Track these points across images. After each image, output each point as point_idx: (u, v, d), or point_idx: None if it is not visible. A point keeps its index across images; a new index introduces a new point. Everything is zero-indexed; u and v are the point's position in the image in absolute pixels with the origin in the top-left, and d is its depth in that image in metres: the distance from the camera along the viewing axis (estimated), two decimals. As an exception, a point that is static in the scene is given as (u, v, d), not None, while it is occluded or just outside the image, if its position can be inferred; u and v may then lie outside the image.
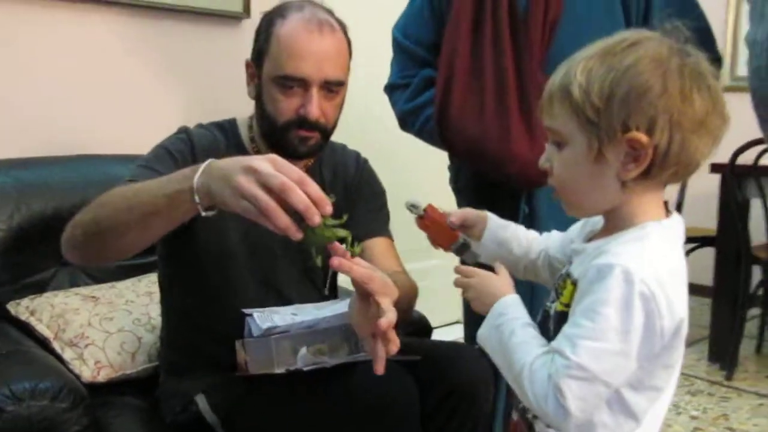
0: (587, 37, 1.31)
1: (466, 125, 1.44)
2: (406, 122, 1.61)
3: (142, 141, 1.93)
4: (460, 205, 1.65)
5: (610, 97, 0.82)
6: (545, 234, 1.12)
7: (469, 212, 1.11)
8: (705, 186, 2.76)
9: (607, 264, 0.81)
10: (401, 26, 1.62)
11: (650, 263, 0.82)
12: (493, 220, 1.11)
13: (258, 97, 1.32)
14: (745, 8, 3.29)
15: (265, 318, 1.20)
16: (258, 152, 1.35)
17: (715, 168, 2.65)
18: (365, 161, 1.48)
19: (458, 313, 2.76)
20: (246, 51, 2.17)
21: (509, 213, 1.44)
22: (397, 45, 1.62)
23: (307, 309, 1.26)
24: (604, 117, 0.83)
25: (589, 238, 0.95)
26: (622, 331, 0.80)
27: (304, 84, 1.25)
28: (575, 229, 1.04)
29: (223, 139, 1.35)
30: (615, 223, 0.89)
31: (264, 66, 1.28)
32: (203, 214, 0.97)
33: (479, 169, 1.51)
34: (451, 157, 1.68)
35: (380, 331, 0.96)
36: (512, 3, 1.44)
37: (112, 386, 1.40)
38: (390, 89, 1.63)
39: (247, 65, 1.34)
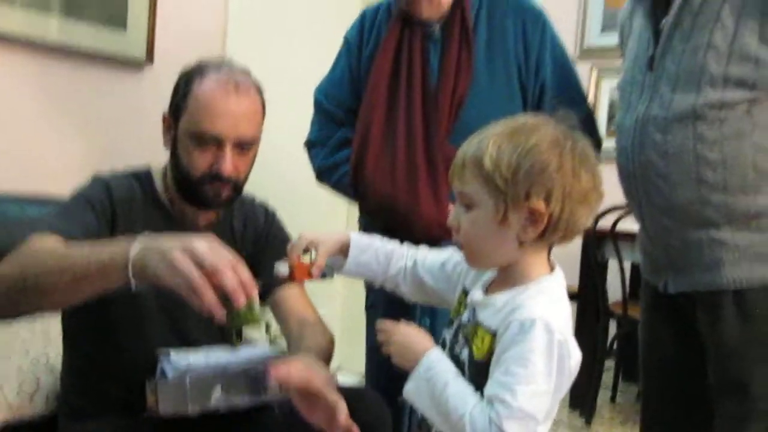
0: (489, 115, 1.50)
1: (379, 184, 1.58)
2: (323, 177, 1.73)
3: (42, 181, 1.93)
4: None
5: (517, 170, 0.98)
6: (410, 250, 1.26)
7: (332, 249, 1.21)
8: (568, 247, 3.02)
9: (529, 318, 0.96)
10: (323, 89, 1.75)
11: (558, 313, 0.98)
12: (354, 246, 1.22)
13: (173, 150, 1.37)
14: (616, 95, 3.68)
15: (180, 358, 1.23)
16: (172, 202, 1.40)
17: (579, 231, 2.92)
18: (273, 213, 1.55)
19: (339, 361, 2.84)
20: (148, 97, 2.22)
21: None
22: (318, 105, 1.75)
23: (219, 352, 1.31)
24: (511, 186, 0.98)
25: (486, 289, 1.09)
26: (547, 374, 0.95)
27: (218, 141, 1.31)
28: (461, 268, 1.18)
29: (138, 188, 1.38)
30: (512, 276, 1.05)
31: (181, 121, 1.33)
32: (133, 288, 1.01)
33: (389, 224, 1.62)
34: (361, 212, 1.79)
35: (343, 428, 1.04)
36: (425, 78, 1.59)
37: (8, 430, 1.36)
38: (309, 145, 1.75)
39: (164, 118, 1.39)
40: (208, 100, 1.30)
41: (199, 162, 1.32)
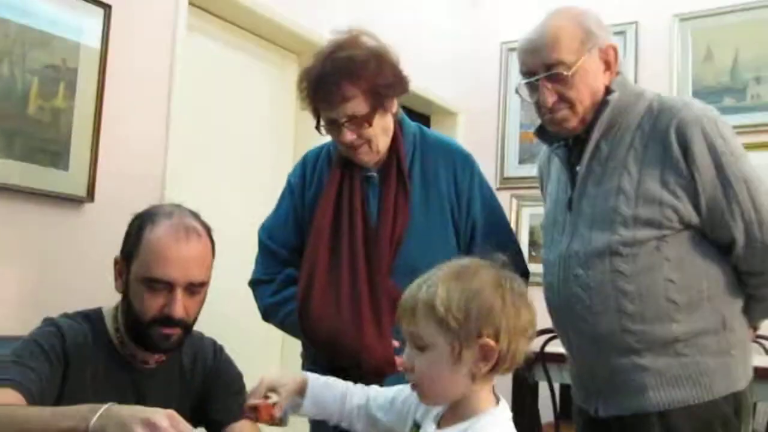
0: (427, 252, 1.63)
1: (324, 320, 1.64)
2: (269, 314, 1.77)
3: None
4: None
5: (468, 311, 1.07)
6: (363, 388, 1.32)
7: (293, 390, 1.27)
8: (501, 369, 3.11)
9: None
10: (267, 229, 1.83)
11: None
12: (312, 386, 1.29)
13: (125, 294, 1.40)
14: (529, 225, 3.90)
15: None
16: (122, 343, 1.42)
17: (509, 354, 3.00)
18: (221, 348, 1.58)
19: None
20: (87, 235, 2.23)
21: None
22: (262, 245, 1.81)
23: None
24: (464, 327, 1.07)
25: (438, 422, 1.15)
26: None
27: (169, 286, 1.35)
28: (410, 402, 1.25)
29: (90, 330, 1.40)
30: (463, 409, 1.12)
31: (132, 266, 1.38)
32: None
33: (336, 358, 1.67)
34: (305, 346, 1.83)
35: None
36: (365, 219, 1.70)
37: None
38: (255, 284, 1.80)
39: (116, 262, 1.44)
40: (158, 247, 1.35)
41: (150, 306, 1.36)
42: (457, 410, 1.13)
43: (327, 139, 1.80)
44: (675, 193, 1.42)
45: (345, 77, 1.61)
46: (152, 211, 1.43)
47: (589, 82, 1.50)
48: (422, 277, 1.15)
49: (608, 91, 1.52)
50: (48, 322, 1.40)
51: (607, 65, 1.53)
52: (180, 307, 1.36)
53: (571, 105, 1.51)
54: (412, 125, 1.83)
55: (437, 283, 1.10)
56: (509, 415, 1.14)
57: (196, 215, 1.46)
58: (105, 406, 1.04)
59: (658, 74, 3.72)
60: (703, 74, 3.66)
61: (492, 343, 1.07)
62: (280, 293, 1.74)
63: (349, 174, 1.74)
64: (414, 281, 1.16)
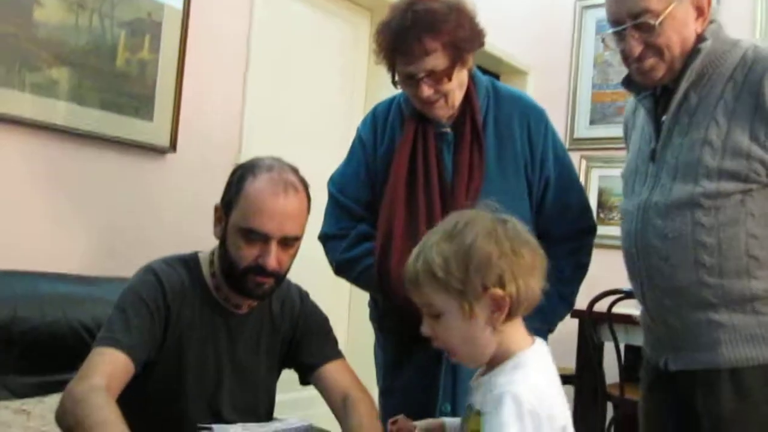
0: (503, 206, 1.61)
1: (403, 279, 1.63)
2: (343, 270, 1.78)
3: (69, 261, 2.03)
4: (384, 342, 1.84)
5: (466, 267, 1.08)
6: None
7: (431, 423, 1.30)
8: (565, 330, 3.11)
9: (500, 393, 1.04)
10: (338, 183, 1.83)
11: (531, 386, 1.05)
12: (448, 427, 1.30)
13: (222, 241, 1.46)
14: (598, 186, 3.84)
15: (223, 428, 1.30)
16: (217, 288, 1.49)
17: (575, 314, 2.96)
18: (307, 294, 1.64)
19: None
20: (170, 183, 2.34)
21: (433, 350, 1.66)
22: (333, 200, 1.81)
23: (254, 427, 1.38)
24: (467, 284, 1.08)
25: (482, 372, 1.17)
26: None
27: (265, 238, 1.40)
28: None
29: (186, 275, 1.47)
30: (496, 356, 1.13)
31: (231, 215, 1.43)
32: None
33: (413, 314, 1.69)
34: (374, 299, 1.86)
35: None
36: (441, 177, 1.69)
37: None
38: (326, 238, 1.80)
39: (216, 209, 1.49)
40: (257, 200, 1.40)
41: (246, 255, 1.41)
42: (492, 360, 1.14)
43: (397, 91, 1.78)
44: (765, 146, 1.38)
45: (426, 31, 1.57)
46: (253, 163, 1.47)
47: (678, 29, 1.45)
48: (418, 245, 1.15)
49: (700, 39, 1.47)
50: (148, 270, 1.47)
51: (700, 11, 1.47)
52: (273, 259, 1.40)
53: (660, 53, 1.46)
54: (484, 79, 1.80)
55: (431, 249, 1.11)
56: (541, 356, 1.13)
57: (295, 170, 1.49)
58: None
59: (741, 30, 3.58)
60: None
61: (500, 291, 1.07)
62: (355, 249, 1.75)
63: (423, 129, 1.72)
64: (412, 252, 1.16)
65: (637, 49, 1.47)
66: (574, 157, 3.92)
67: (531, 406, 1.02)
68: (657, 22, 1.43)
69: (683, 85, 1.48)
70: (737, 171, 1.40)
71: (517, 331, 1.13)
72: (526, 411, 1.01)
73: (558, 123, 3.96)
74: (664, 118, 1.52)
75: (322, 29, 3.10)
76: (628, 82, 1.60)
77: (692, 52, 1.47)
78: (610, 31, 1.52)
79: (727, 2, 3.65)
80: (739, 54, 1.46)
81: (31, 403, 1.58)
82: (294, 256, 1.49)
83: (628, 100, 1.75)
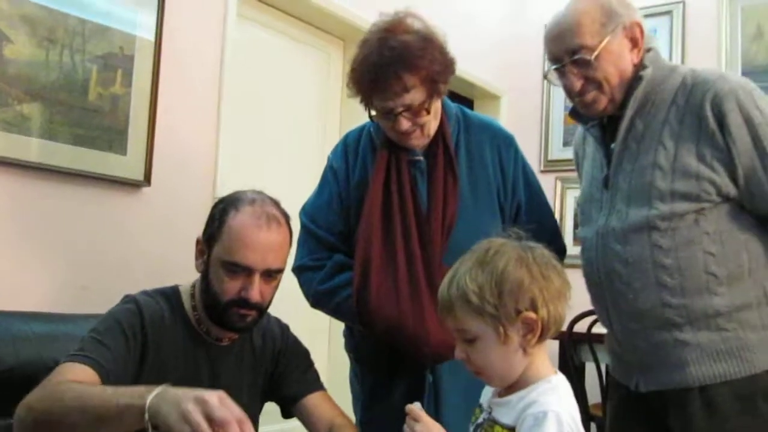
0: (477, 235, 1.63)
1: (384, 309, 1.63)
2: (320, 302, 1.76)
3: (43, 299, 2.00)
4: (362, 372, 1.83)
5: (500, 293, 1.13)
6: None
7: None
8: (547, 350, 3.13)
9: (542, 411, 1.08)
10: (310, 213, 1.81)
11: (567, 407, 1.11)
12: None
13: (205, 274, 1.47)
14: (574, 207, 3.89)
15: None
16: (199, 321, 1.49)
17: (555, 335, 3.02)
18: (287, 327, 1.64)
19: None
20: (145, 217, 2.33)
21: (414, 382, 1.67)
22: (306, 230, 1.80)
23: None
24: (501, 309, 1.13)
25: (499, 392, 1.21)
26: None
27: (248, 271, 1.41)
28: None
29: (167, 307, 1.47)
30: (523, 378, 1.17)
31: (214, 248, 1.44)
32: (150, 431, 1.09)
33: (397, 345, 1.68)
34: (349, 328, 1.85)
35: None
36: (416, 205, 1.70)
37: None
38: (300, 270, 1.78)
39: (198, 242, 1.50)
40: (240, 233, 1.41)
41: (229, 288, 1.41)
42: (518, 380, 1.18)
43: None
44: (712, 166, 1.43)
45: (404, 68, 1.58)
46: (235, 196, 1.48)
47: (614, 62, 1.51)
48: (449, 273, 1.20)
49: (640, 67, 1.53)
50: (128, 299, 1.47)
51: (634, 42, 1.53)
52: (257, 291, 1.41)
53: (599, 86, 1.52)
54: (453, 107, 1.82)
55: (464, 275, 1.15)
56: (568, 385, 1.18)
57: (276, 203, 1.51)
58: (161, 387, 1.10)
59: (707, 54, 3.66)
60: (754, 53, 3.59)
61: (532, 315, 1.13)
62: (332, 280, 1.73)
63: (396, 158, 1.72)
64: (445, 276, 1.20)
65: (577, 84, 1.53)
66: (549, 179, 4.00)
67: (569, 429, 1.08)
68: (593, 57, 1.49)
69: (629, 112, 1.53)
70: (688, 192, 1.44)
71: (543, 355, 1.20)
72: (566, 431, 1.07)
73: (532, 145, 4.07)
74: (613, 145, 1.57)
75: (295, 58, 3.13)
76: (575, 113, 1.65)
77: (634, 80, 1.53)
78: (552, 68, 1.58)
79: (694, 29, 3.74)
80: (678, 79, 1.52)
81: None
82: (276, 288, 1.49)
83: (577, 130, 1.80)
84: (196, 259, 1.50)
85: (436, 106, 1.69)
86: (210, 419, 1.03)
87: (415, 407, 1.21)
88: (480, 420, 1.22)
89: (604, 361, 2.99)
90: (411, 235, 1.67)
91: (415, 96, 1.61)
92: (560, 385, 1.17)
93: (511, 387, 1.19)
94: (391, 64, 1.58)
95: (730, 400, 1.43)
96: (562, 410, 1.09)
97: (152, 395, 1.09)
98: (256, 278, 1.41)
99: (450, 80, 1.70)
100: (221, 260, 1.42)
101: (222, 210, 1.46)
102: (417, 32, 1.63)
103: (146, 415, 1.07)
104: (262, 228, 1.42)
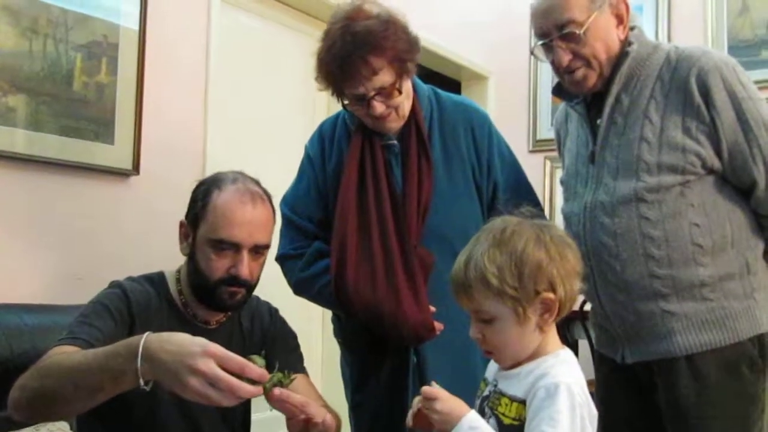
0: (453, 216, 1.65)
1: (361, 294, 1.65)
2: (301, 289, 1.79)
3: (34, 291, 2.00)
4: (349, 357, 1.85)
5: (520, 275, 1.14)
6: None
7: None
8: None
9: (554, 383, 1.10)
10: (290, 203, 1.83)
11: (577, 379, 1.13)
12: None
13: (191, 255, 1.47)
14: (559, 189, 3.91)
15: None
16: (186, 305, 1.49)
17: (546, 312, 3.04)
18: (276, 310, 1.66)
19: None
20: (134, 206, 2.32)
21: (399, 363, 1.69)
22: (287, 219, 1.81)
23: None
24: (521, 290, 1.14)
25: (509, 365, 1.22)
26: (572, 428, 1.08)
27: (236, 247, 1.42)
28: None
29: (153, 292, 1.48)
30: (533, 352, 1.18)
31: (199, 229, 1.45)
32: (142, 386, 1.11)
33: (376, 328, 1.70)
34: (336, 314, 1.86)
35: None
36: (391, 188, 1.71)
37: None
38: (282, 259, 1.80)
39: (182, 225, 1.51)
40: (226, 210, 1.42)
41: (217, 266, 1.43)
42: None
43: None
44: (697, 139, 1.46)
45: (370, 51, 1.59)
46: (217, 177, 1.50)
47: (602, 37, 1.53)
48: (463, 253, 1.20)
49: (625, 44, 1.55)
50: (114, 284, 1.48)
51: (620, 19, 1.56)
52: (246, 267, 1.43)
53: (587, 62, 1.54)
54: (425, 88, 1.82)
55: (482, 257, 1.16)
56: (574, 358, 1.20)
57: (257, 182, 1.52)
58: (140, 346, 1.08)
59: (692, 29, 3.67)
60: (739, 27, 3.59)
61: (551, 295, 1.14)
62: (311, 267, 1.75)
63: (370, 142, 1.73)
64: (458, 257, 1.21)
65: (565, 58, 1.54)
66: (538, 159, 4.01)
67: (581, 400, 1.11)
68: (581, 32, 1.50)
69: (614, 88, 1.55)
70: (674, 164, 1.47)
71: (553, 330, 1.21)
72: (577, 403, 1.10)
73: (520, 126, 4.08)
74: (598, 121, 1.58)
75: (281, 43, 3.11)
76: (559, 90, 1.66)
77: (620, 57, 1.55)
78: (539, 43, 1.59)
79: (679, 4, 3.75)
80: (662, 56, 1.54)
81: (1, 435, 1.56)
82: (262, 266, 1.50)
83: (558, 109, 1.81)
84: (181, 242, 1.51)
85: (407, 86, 1.70)
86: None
87: (429, 389, 1.20)
88: (486, 393, 1.24)
89: (597, 337, 3.02)
90: (386, 218, 1.69)
91: (385, 77, 1.62)
92: (568, 358, 1.19)
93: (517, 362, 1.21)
94: (356, 49, 1.59)
95: (716, 367, 1.47)
96: (572, 381, 1.11)
97: (140, 362, 1.08)
98: (245, 254, 1.43)
99: (417, 59, 1.71)
100: (208, 239, 1.43)
101: (205, 191, 1.47)
102: (377, 16, 1.64)
103: (141, 381, 1.08)
104: (247, 204, 1.43)
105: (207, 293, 1.45)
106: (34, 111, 2.04)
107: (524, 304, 1.14)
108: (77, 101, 2.14)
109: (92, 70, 2.19)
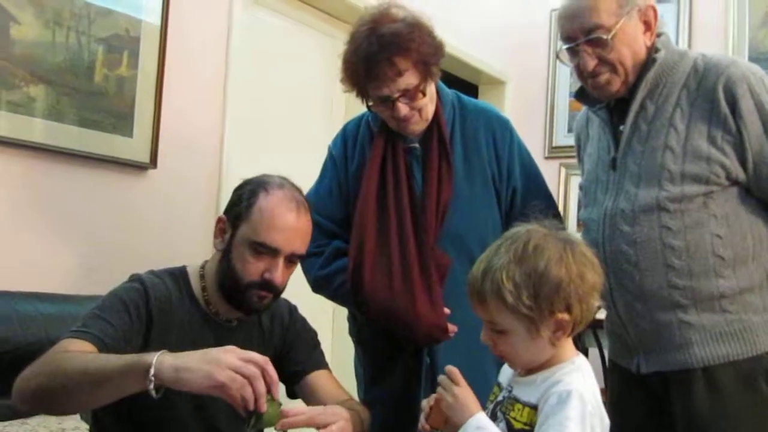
0: (472, 220, 1.65)
1: (377, 293, 1.67)
2: (320, 287, 1.80)
3: (49, 281, 2.01)
4: (363, 355, 1.86)
5: (537, 295, 1.12)
6: None
7: None
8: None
9: (566, 390, 1.10)
10: (311, 201, 1.77)
11: (590, 387, 1.12)
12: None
13: (226, 253, 1.45)
14: (578, 194, 3.89)
15: None
16: (208, 302, 1.48)
17: (558, 320, 3.02)
18: (295, 308, 1.65)
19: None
20: (151, 200, 2.33)
21: (412, 364, 1.69)
22: None
23: None
24: (536, 310, 1.13)
25: (527, 371, 1.21)
26: None
27: (274, 253, 1.41)
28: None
29: (175, 289, 1.46)
30: (547, 360, 1.18)
31: (240, 228, 1.43)
32: (154, 395, 1.12)
33: (390, 328, 1.71)
34: (352, 313, 1.87)
35: None
36: (411, 191, 1.73)
37: None
38: (302, 257, 1.81)
39: (220, 220, 1.50)
40: (271, 214, 1.41)
41: (253, 269, 1.41)
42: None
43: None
44: (722, 149, 1.45)
45: (395, 53, 1.61)
46: (263, 179, 1.49)
47: (629, 43, 1.51)
48: (482, 261, 1.18)
49: (651, 51, 1.54)
50: (134, 278, 1.47)
51: (647, 26, 1.54)
52: (280, 274, 1.42)
53: (613, 68, 1.52)
54: (449, 93, 1.84)
55: (500, 271, 1.14)
56: (589, 366, 1.20)
57: (300, 190, 1.52)
58: (160, 352, 1.12)
59: (713, 40, 3.65)
60: (761, 39, 3.57)
61: (566, 317, 1.13)
62: (330, 266, 1.76)
63: (392, 145, 1.76)
64: (476, 263, 1.19)
65: (591, 63, 1.52)
66: (554, 166, 3.99)
67: (592, 408, 1.10)
68: (609, 37, 1.49)
69: (639, 95, 1.54)
70: (699, 174, 1.45)
71: (569, 341, 1.20)
72: (588, 412, 1.09)
73: (536, 131, 4.06)
74: (621, 127, 1.57)
75: (301, 42, 3.12)
76: (582, 95, 1.65)
77: (647, 63, 1.53)
78: (565, 47, 1.58)
79: (700, 15, 3.73)
80: (689, 63, 1.53)
81: (15, 425, 1.56)
82: (291, 274, 1.50)
83: (580, 113, 1.80)
84: (216, 237, 1.50)
85: (431, 89, 1.72)
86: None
87: (456, 371, 1.20)
88: (500, 398, 1.23)
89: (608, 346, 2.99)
90: (405, 220, 1.70)
91: (410, 79, 1.63)
92: (583, 366, 1.18)
93: (534, 368, 1.20)
94: (381, 51, 1.61)
95: (733, 380, 1.45)
96: (585, 389, 1.11)
97: (157, 355, 1.11)
98: (281, 261, 1.42)
99: (440, 63, 1.72)
100: (249, 240, 1.42)
101: (251, 191, 1.46)
102: (403, 19, 1.66)
103: (152, 370, 1.09)
104: (292, 212, 1.43)
105: (237, 293, 1.44)
106: (54, 102, 2.05)
107: (538, 323, 1.13)
108: (97, 93, 2.15)
109: (113, 64, 2.20)
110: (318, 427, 1.23)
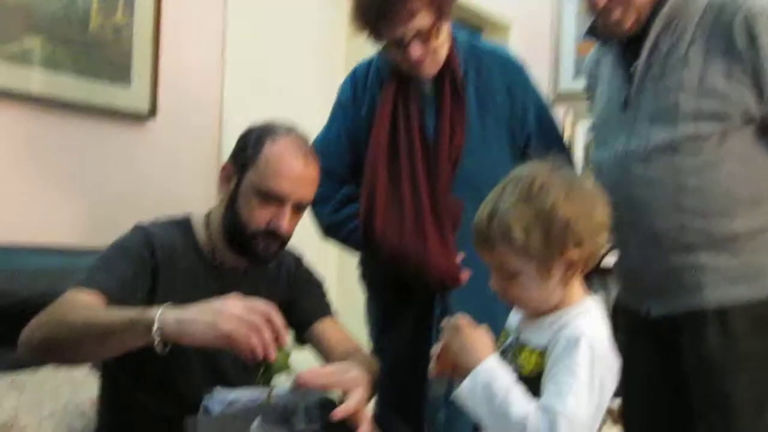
0: (485, 165, 1.62)
1: (389, 239, 1.66)
2: (331, 232, 1.80)
3: (52, 233, 2.00)
4: (374, 301, 1.86)
5: (546, 234, 1.10)
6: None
7: None
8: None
9: (575, 335, 1.08)
10: (320, 147, 1.76)
11: (599, 330, 1.11)
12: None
13: (231, 201, 1.43)
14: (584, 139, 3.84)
15: (223, 394, 1.28)
16: (213, 250, 1.47)
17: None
18: (301, 257, 1.64)
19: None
20: (150, 151, 2.30)
21: (423, 312, 1.69)
22: None
23: (256, 391, 1.37)
24: (546, 249, 1.10)
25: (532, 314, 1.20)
26: (590, 384, 1.06)
27: (281, 200, 1.39)
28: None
29: (179, 236, 1.45)
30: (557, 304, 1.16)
31: (247, 175, 1.41)
32: (158, 350, 1.12)
33: (401, 275, 1.70)
34: (363, 259, 1.87)
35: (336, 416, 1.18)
36: (423, 135, 1.70)
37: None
38: (312, 202, 1.77)
39: (224, 168, 1.47)
40: (278, 161, 1.39)
41: (259, 216, 1.40)
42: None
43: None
44: (739, 86, 1.40)
45: None
46: (270, 126, 1.46)
47: None
48: (487, 204, 1.15)
49: None
50: (137, 227, 1.45)
51: None
52: (286, 222, 1.40)
53: (626, 4, 1.47)
54: (463, 35, 1.80)
55: (507, 212, 1.11)
56: (599, 308, 1.18)
57: (308, 138, 1.50)
58: (164, 305, 1.12)
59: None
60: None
61: (576, 254, 1.11)
62: (341, 211, 1.76)
63: (404, 89, 1.72)
64: (481, 207, 1.16)
65: None
66: (559, 111, 3.93)
67: (601, 353, 1.08)
68: None
69: (653, 32, 1.48)
70: (714, 112, 1.41)
71: (579, 281, 1.18)
72: (597, 357, 1.07)
73: (542, 76, 3.97)
74: (635, 65, 1.52)
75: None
76: (593, 32, 1.60)
77: (660, 0, 1.47)
78: None
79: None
80: (704, 0, 1.47)
81: (24, 375, 1.57)
82: (297, 223, 1.48)
83: (590, 52, 1.75)
84: (221, 184, 1.47)
85: (445, 30, 1.67)
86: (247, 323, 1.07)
87: (465, 317, 1.18)
88: (508, 343, 1.22)
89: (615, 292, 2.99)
90: (417, 165, 1.68)
91: (423, 20, 1.59)
92: (593, 308, 1.16)
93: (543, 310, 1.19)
94: None
95: (745, 322, 1.44)
96: (594, 334, 1.09)
97: (160, 309, 1.11)
98: (287, 209, 1.40)
99: (453, 3, 1.67)
100: (255, 187, 1.40)
101: (257, 138, 1.43)
102: None
103: (155, 325, 1.09)
104: (300, 159, 1.41)
105: (243, 241, 1.42)
106: (50, 52, 2.00)
107: (548, 262, 1.11)
108: (94, 43, 2.10)
109: (108, 11, 2.14)
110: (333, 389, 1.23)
